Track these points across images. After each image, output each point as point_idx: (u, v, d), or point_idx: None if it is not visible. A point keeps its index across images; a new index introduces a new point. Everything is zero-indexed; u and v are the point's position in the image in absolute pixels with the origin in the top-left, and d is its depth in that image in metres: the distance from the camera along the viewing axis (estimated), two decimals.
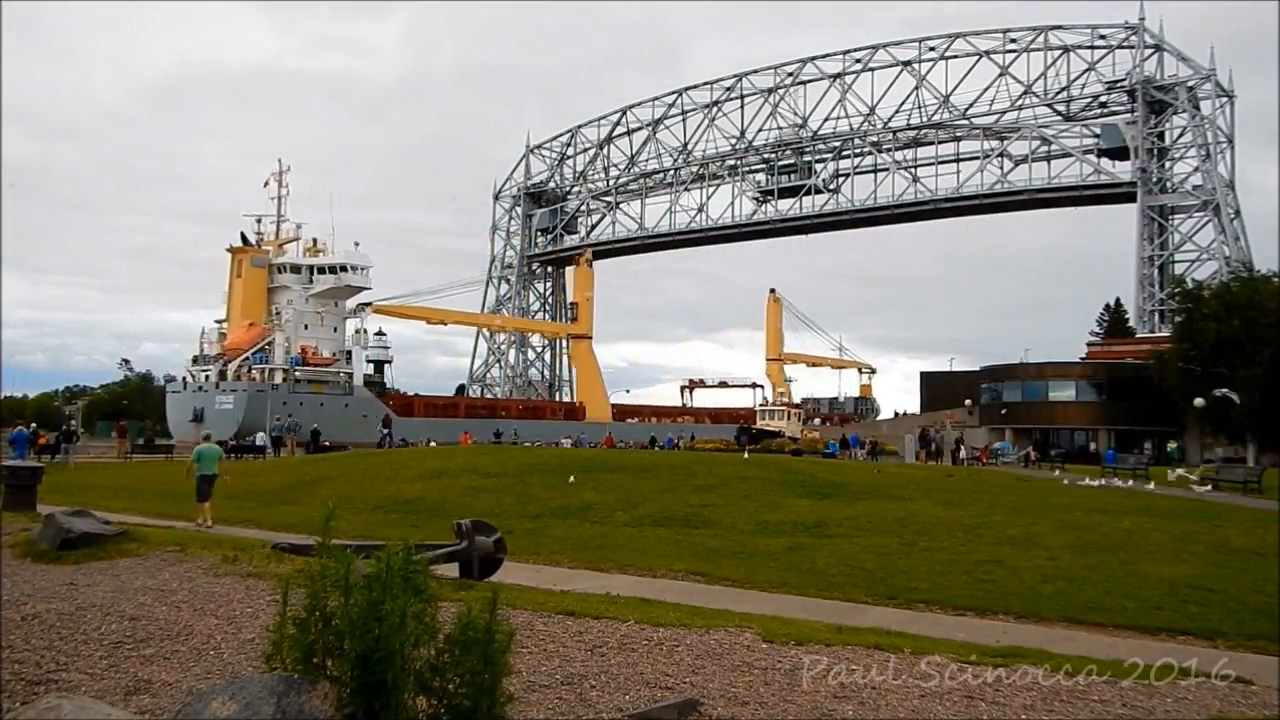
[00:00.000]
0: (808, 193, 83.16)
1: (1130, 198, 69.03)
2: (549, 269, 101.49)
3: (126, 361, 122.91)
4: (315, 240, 66.94)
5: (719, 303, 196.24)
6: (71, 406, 60.12)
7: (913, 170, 78.85)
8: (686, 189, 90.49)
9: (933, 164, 78.26)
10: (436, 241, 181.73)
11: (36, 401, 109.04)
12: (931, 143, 78.48)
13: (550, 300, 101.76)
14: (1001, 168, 74.35)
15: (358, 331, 67.77)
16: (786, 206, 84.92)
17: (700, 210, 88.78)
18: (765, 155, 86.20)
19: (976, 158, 75.49)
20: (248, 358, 60.52)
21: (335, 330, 67.06)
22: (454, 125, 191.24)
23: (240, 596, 7.40)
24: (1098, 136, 71.08)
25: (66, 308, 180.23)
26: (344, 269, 65.02)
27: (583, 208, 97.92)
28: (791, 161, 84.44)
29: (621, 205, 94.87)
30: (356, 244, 67.53)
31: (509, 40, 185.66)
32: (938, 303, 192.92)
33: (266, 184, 65.71)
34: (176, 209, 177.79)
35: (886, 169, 79.81)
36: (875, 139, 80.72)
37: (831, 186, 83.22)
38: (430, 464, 26.12)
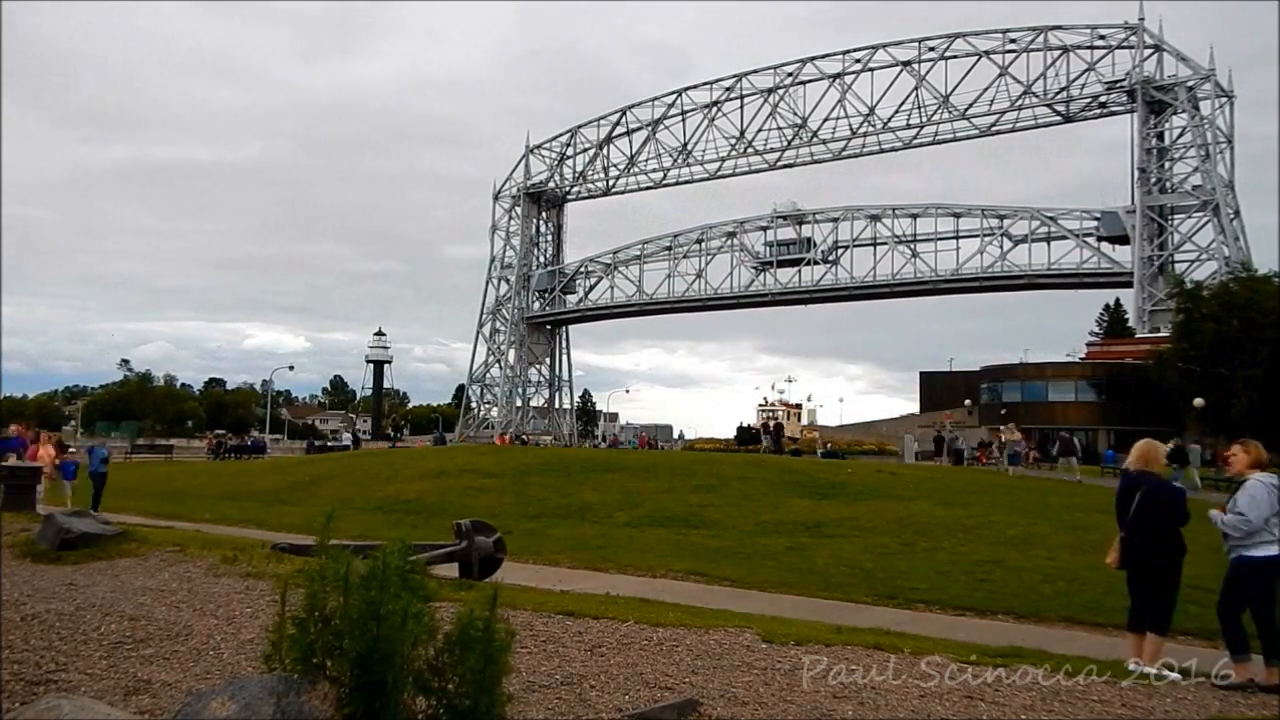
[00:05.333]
0: (806, 264, 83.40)
1: (1126, 284, 69.04)
2: (548, 327, 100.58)
3: (126, 361, 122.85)
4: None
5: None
6: (71, 406, 60.24)
7: (912, 246, 78.47)
8: (686, 256, 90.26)
9: (932, 239, 77.87)
10: (341, 265, 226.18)
11: (36, 402, 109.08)
12: (931, 215, 78.37)
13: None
14: (1001, 247, 74.35)
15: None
16: (786, 278, 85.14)
17: (699, 276, 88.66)
18: (763, 225, 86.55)
19: (976, 236, 75.20)
20: None
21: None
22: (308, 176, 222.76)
23: (240, 596, 7.39)
24: (1098, 220, 71.02)
25: (56, 319, 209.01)
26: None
27: (582, 269, 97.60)
28: (792, 236, 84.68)
29: (620, 269, 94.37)
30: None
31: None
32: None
33: None
34: (122, 249, 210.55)
35: (886, 243, 79.52)
36: (874, 214, 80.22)
37: (830, 258, 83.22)
38: (430, 464, 26.12)
